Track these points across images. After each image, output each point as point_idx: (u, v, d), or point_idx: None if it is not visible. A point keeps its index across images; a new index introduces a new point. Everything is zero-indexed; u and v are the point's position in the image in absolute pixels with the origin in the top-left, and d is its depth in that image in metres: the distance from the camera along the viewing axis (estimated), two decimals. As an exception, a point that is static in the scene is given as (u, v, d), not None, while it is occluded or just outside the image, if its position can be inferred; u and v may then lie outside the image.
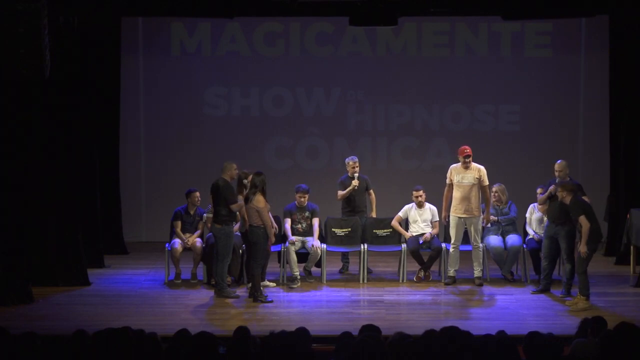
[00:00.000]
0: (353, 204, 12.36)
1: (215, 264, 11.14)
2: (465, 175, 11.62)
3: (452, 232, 11.72)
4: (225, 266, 11.06)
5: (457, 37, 14.53)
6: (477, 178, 11.57)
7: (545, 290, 11.22)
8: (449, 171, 11.74)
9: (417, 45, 14.58)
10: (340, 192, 12.33)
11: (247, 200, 10.97)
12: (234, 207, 10.97)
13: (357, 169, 12.31)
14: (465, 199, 11.59)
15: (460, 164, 11.64)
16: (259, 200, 10.87)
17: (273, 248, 11.62)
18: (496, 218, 11.90)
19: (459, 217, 11.62)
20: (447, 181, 11.74)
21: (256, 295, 10.83)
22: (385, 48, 14.57)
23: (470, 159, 11.62)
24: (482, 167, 11.65)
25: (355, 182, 12.25)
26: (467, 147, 11.65)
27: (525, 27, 14.41)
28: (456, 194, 11.62)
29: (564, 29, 14.41)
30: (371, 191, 12.47)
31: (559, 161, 11.33)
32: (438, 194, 12.36)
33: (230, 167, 11.16)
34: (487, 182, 11.63)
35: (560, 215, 10.96)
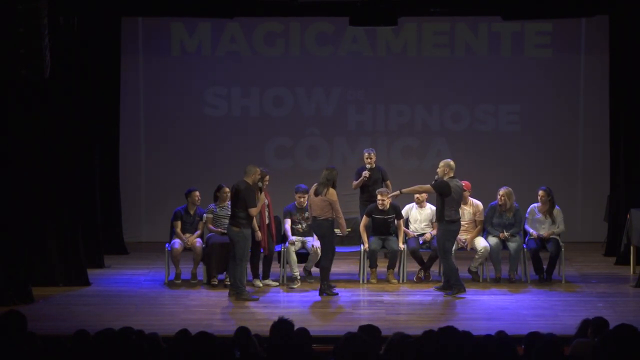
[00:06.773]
0: (367, 194, 12.56)
1: (233, 267, 11.08)
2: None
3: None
4: (243, 269, 11.04)
5: (457, 37, 14.51)
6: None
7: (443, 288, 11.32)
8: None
9: (417, 45, 14.55)
10: (354, 182, 12.66)
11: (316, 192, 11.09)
12: (252, 211, 10.98)
13: (369, 161, 12.55)
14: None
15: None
16: (332, 194, 11.03)
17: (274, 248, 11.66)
18: (505, 234, 11.87)
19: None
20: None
21: (323, 287, 11.10)
22: (385, 48, 14.55)
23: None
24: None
25: (365, 174, 12.49)
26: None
27: (525, 27, 14.38)
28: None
29: (564, 29, 14.38)
30: (388, 182, 12.61)
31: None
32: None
33: (254, 171, 11.11)
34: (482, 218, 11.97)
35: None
